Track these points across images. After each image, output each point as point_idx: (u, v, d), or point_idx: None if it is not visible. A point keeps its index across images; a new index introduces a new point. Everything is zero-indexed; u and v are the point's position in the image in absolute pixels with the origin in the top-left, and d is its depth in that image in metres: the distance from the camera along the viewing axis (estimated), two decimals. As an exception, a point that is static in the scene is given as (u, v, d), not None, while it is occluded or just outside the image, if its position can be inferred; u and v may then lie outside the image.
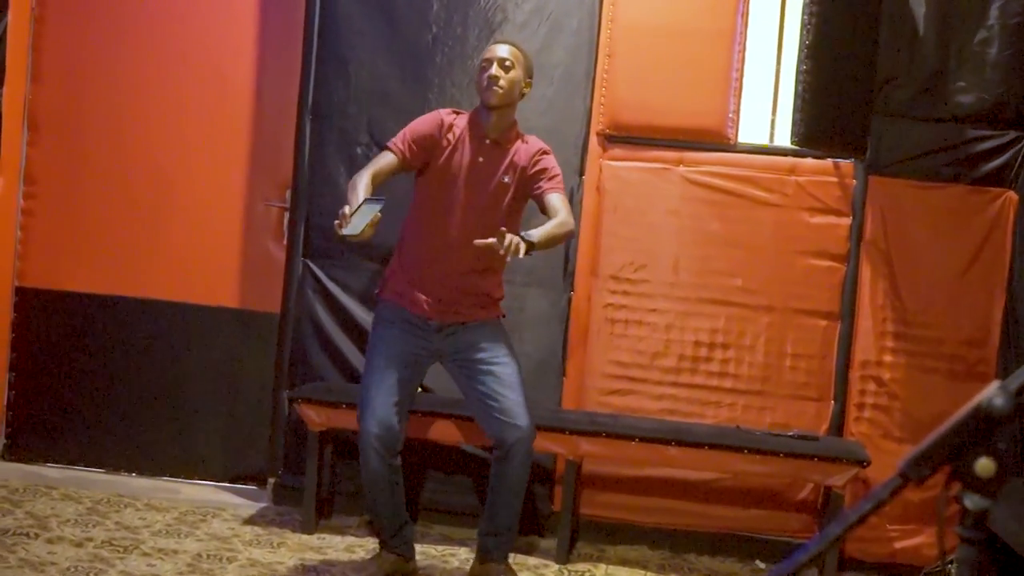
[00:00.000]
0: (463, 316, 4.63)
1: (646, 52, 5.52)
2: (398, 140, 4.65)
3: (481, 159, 4.62)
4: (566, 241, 4.88)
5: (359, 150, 5.64)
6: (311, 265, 5.70)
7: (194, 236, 5.97)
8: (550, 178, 4.63)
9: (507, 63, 4.56)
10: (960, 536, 1.78)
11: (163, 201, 5.97)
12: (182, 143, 5.95)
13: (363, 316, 5.64)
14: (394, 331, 4.66)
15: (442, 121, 4.67)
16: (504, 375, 4.63)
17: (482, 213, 4.59)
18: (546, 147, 4.71)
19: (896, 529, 5.40)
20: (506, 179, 4.63)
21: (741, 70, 5.54)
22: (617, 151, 5.60)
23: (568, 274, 5.58)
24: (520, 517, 4.78)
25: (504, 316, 4.75)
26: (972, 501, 1.74)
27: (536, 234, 4.32)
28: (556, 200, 4.59)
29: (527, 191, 4.64)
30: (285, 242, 5.80)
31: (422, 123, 4.69)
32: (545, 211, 4.58)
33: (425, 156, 4.62)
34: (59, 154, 6.01)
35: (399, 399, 4.62)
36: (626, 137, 5.59)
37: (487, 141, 4.63)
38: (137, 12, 5.95)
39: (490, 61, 4.57)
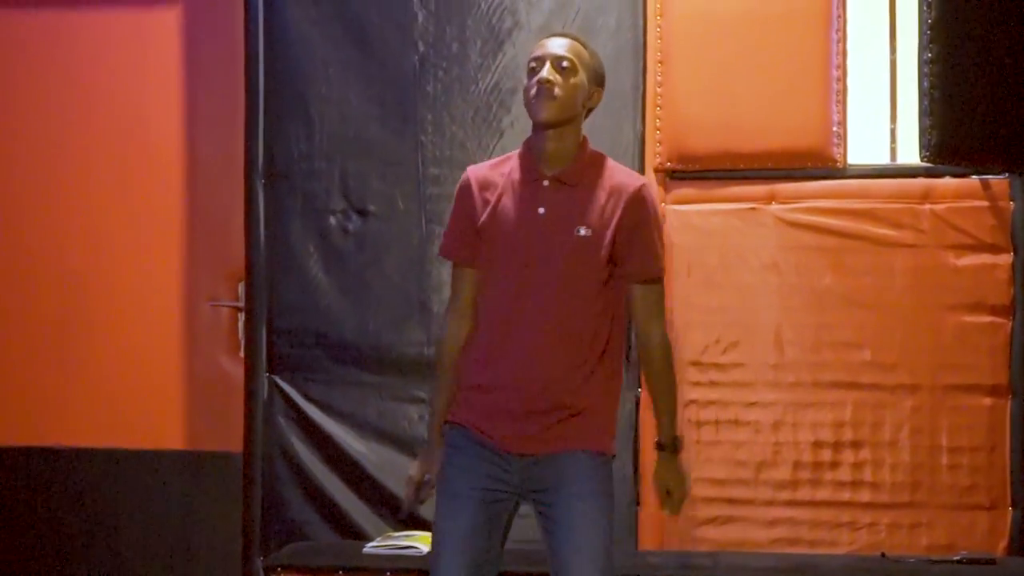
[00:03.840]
0: (550, 444, 3.90)
1: (712, 52, 5.19)
2: (450, 242, 4.06)
3: (541, 210, 3.84)
4: None
5: (333, 220, 5.32)
6: (279, 382, 5.32)
7: (121, 359, 5.68)
8: (641, 257, 3.91)
9: (565, 63, 3.80)
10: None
11: (77, 315, 5.70)
12: (97, 235, 5.70)
13: (356, 446, 5.32)
14: (462, 462, 3.97)
15: (468, 181, 4.03)
16: (583, 536, 3.86)
17: (560, 289, 3.88)
18: (642, 183, 3.98)
19: None
20: (582, 231, 3.84)
21: (843, 66, 5.18)
22: (686, 191, 5.24)
23: (631, 365, 4.89)
24: None
25: (614, 455, 4.05)
26: None
27: (669, 427, 3.95)
28: (641, 301, 3.94)
29: (616, 251, 3.98)
30: (243, 354, 5.45)
31: (456, 202, 4.09)
32: (634, 313, 4.03)
33: (482, 239, 4.08)
34: None
35: (475, 555, 3.95)
36: (696, 171, 5.23)
37: (545, 182, 3.89)
38: (30, 71, 5.74)
39: (541, 60, 3.81)
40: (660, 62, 5.18)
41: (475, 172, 4.05)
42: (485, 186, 3.95)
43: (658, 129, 5.19)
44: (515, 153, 4.03)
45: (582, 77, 3.88)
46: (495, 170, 3.99)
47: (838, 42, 5.15)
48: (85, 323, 5.65)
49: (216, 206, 5.59)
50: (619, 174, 3.98)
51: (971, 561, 4.82)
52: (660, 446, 3.99)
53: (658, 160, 5.17)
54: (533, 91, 3.84)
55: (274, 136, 5.30)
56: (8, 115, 5.73)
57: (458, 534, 3.94)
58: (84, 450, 5.60)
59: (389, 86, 5.28)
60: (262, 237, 5.30)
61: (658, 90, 5.19)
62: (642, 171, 5.11)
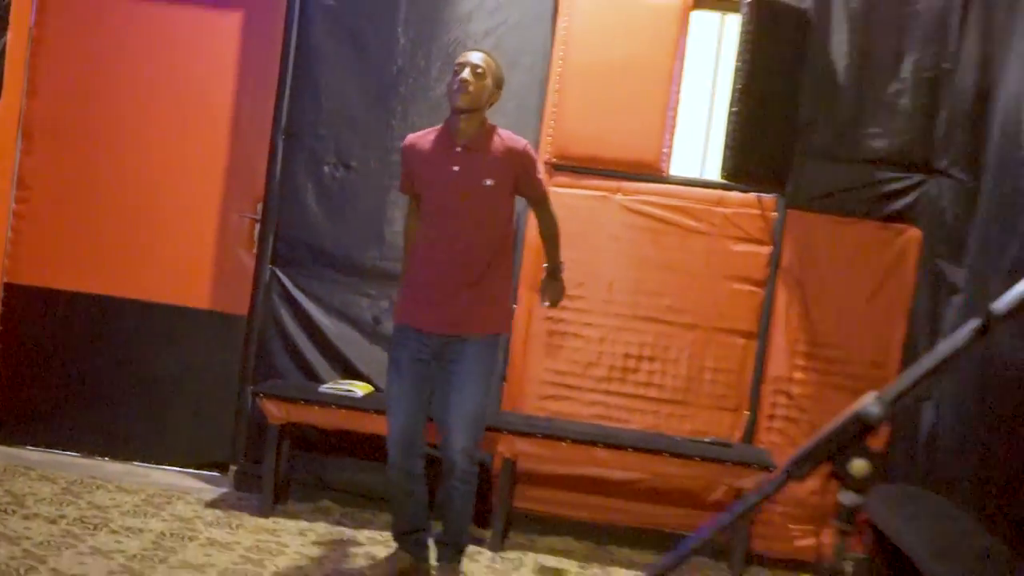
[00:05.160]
0: (463, 328, 4.47)
1: (592, 89, 5.49)
2: (403, 183, 4.67)
3: (456, 168, 4.42)
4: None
5: (326, 169, 5.62)
6: (278, 272, 5.67)
7: (172, 242, 5.92)
8: (532, 187, 4.58)
9: (479, 70, 4.38)
10: (837, 528, 1.80)
11: (145, 209, 5.92)
12: (165, 157, 5.90)
13: (324, 321, 5.65)
14: (405, 353, 4.53)
15: (409, 148, 4.59)
16: (463, 393, 4.46)
17: (469, 221, 4.46)
18: (525, 144, 4.56)
19: (798, 529, 5.45)
20: (488, 182, 4.41)
21: (677, 108, 5.54)
22: (563, 178, 5.54)
23: (513, 288, 5.35)
24: (462, 523, 4.70)
25: (508, 332, 4.65)
26: (847, 498, 1.76)
27: (553, 260, 4.69)
28: (543, 206, 4.64)
29: (515, 190, 4.54)
30: (255, 251, 5.75)
31: (402, 158, 4.62)
32: (534, 212, 4.74)
33: (417, 188, 4.57)
34: (50, 162, 5.95)
35: (415, 417, 4.52)
36: (571, 166, 5.54)
37: (458, 149, 4.43)
38: (127, 37, 5.90)
39: (463, 65, 4.39)
40: (557, 91, 5.46)
41: (410, 139, 4.52)
42: (418, 149, 4.44)
43: (550, 136, 5.48)
44: (437, 128, 4.44)
45: (488, 81, 4.35)
46: (424, 139, 4.47)
47: (675, 92, 5.46)
48: (152, 218, 5.88)
49: (250, 150, 5.76)
50: (509, 140, 4.47)
51: (716, 444, 5.29)
52: (548, 270, 4.66)
53: (547, 156, 5.45)
54: (455, 86, 4.30)
55: (293, 108, 5.56)
56: (113, 79, 5.85)
57: (402, 392, 4.49)
58: (141, 302, 5.85)
59: (375, 84, 5.52)
60: (278, 174, 5.58)
61: (553, 110, 5.47)
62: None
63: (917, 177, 5.42)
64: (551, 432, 5.24)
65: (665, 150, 5.51)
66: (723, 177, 5.24)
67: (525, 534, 5.51)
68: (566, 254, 5.19)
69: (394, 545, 4.78)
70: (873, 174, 5.43)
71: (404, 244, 4.70)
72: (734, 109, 5.14)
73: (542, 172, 4.64)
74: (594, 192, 5.56)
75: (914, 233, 5.44)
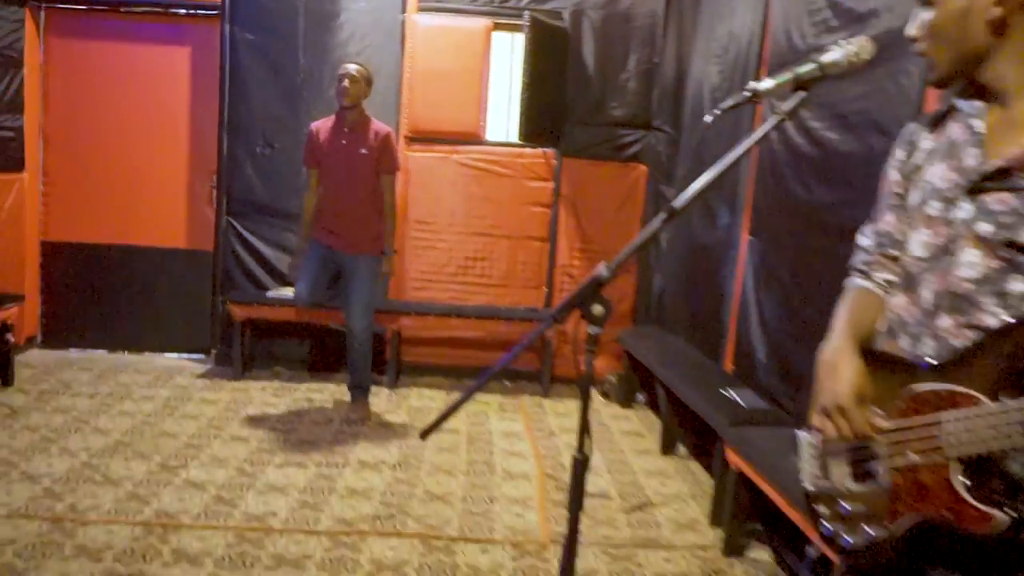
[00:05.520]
0: (354, 248, 4.36)
1: (432, 87, 5.36)
2: (306, 158, 4.40)
3: (344, 142, 4.28)
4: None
5: (258, 149, 5.40)
6: (232, 220, 5.46)
7: (157, 205, 5.65)
8: (387, 162, 4.36)
9: (355, 78, 4.24)
10: (587, 349, 1.85)
11: (135, 185, 5.63)
12: (146, 148, 5.61)
13: (265, 250, 5.46)
14: (314, 252, 4.39)
15: (313, 131, 4.42)
16: (358, 292, 4.38)
17: (354, 178, 4.30)
18: (388, 131, 4.35)
19: (582, 357, 5.49)
20: (363, 151, 4.26)
21: (487, 96, 5.45)
22: (417, 147, 5.43)
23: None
24: (365, 374, 4.58)
25: (383, 252, 4.40)
26: (592, 330, 1.82)
27: (388, 243, 4.36)
28: (385, 183, 4.37)
29: (378, 160, 4.34)
30: (215, 206, 5.51)
31: (307, 140, 4.42)
32: (382, 183, 4.42)
33: (319, 156, 4.39)
34: (65, 158, 5.61)
35: (315, 284, 4.38)
36: (422, 138, 5.42)
37: (345, 129, 4.29)
38: (110, 67, 5.54)
39: (343, 76, 4.25)
40: (408, 89, 5.28)
41: (314, 125, 4.35)
42: (320, 132, 4.30)
43: (406, 119, 5.29)
44: (331, 117, 4.32)
45: (362, 84, 4.20)
46: (323, 124, 4.33)
47: (486, 85, 5.34)
48: (142, 190, 5.56)
49: (205, 139, 5.47)
50: (377, 126, 4.35)
51: (528, 310, 5.31)
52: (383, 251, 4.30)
53: (405, 132, 5.29)
54: (339, 91, 4.15)
55: (232, 110, 5.30)
56: (105, 97, 5.50)
57: (308, 273, 4.33)
58: (139, 246, 5.60)
59: (286, 92, 5.29)
60: (225, 155, 5.33)
61: (407, 101, 5.30)
62: (399, 137, 5.17)
63: (642, 133, 5.43)
64: (422, 310, 5.23)
65: (482, 124, 5.42)
66: (520, 139, 5.18)
67: (410, 377, 5.50)
68: (425, 195, 5.34)
69: (321, 386, 4.85)
70: (615, 132, 5.42)
71: (303, 214, 4.45)
72: (524, 95, 5.08)
73: (398, 156, 4.45)
74: (438, 154, 5.45)
75: (642, 169, 5.44)
